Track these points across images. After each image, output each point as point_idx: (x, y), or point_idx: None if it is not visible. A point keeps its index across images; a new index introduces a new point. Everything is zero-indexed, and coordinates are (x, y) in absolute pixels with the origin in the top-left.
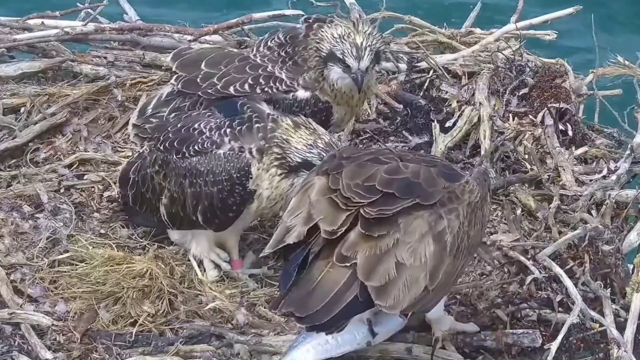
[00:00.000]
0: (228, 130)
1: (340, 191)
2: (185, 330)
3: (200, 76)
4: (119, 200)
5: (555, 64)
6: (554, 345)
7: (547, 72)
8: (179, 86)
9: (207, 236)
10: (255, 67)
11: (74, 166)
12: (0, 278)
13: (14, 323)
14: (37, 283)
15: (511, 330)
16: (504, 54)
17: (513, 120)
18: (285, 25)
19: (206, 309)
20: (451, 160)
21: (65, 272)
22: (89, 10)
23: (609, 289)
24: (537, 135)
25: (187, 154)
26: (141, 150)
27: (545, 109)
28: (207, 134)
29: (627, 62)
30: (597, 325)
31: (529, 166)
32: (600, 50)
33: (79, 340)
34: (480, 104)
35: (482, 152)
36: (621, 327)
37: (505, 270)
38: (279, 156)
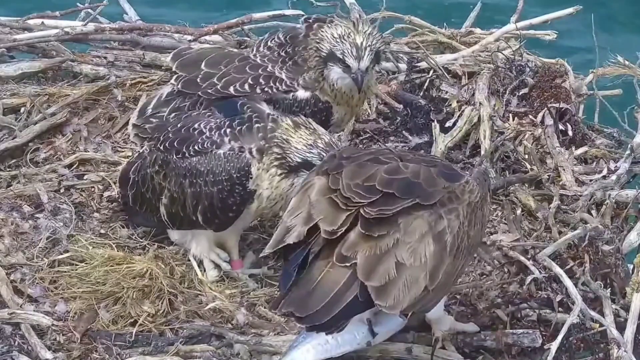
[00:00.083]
0: (228, 130)
1: (340, 191)
2: (185, 330)
3: (200, 76)
4: (119, 200)
5: (555, 64)
6: (554, 345)
7: (547, 72)
8: (179, 86)
9: (207, 236)
10: (255, 67)
11: (74, 166)
12: (0, 278)
13: (14, 323)
14: (37, 283)
15: (511, 330)
16: (504, 54)
17: (513, 120)
18: (285, 25)
19: (206, 309)
20: (451, 160)
21: (65, 272)
22: (89, 10)
23: (609, 289)
24: (537, 135)
25: (187, 154)
26: (141, 150)
27: (545, 109)
28: (207, 134)
29: (627, 62)
30: (597, 325)
31: (529, 166)
32: (600, 50)
33: (79, 340)
34: (480, 104)
35: (482, 152)
36: (621, 327)
37: (505, 270)
38: (279, 156)
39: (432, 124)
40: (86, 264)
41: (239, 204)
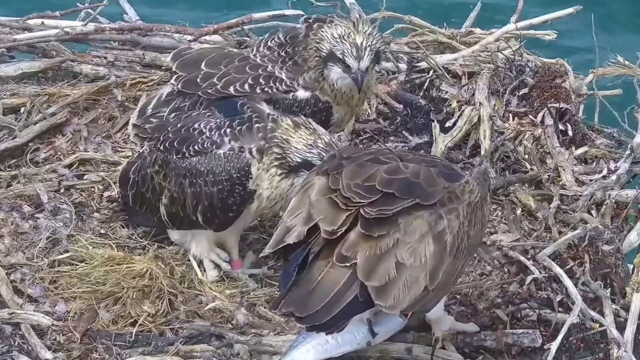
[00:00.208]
0: (228, 130)
1: (340, 191)
2: (185, 330)
3: (200, 76)
4: (119, 200)
5: (555, 64)
6: (554, 345)
7: (547, 72)
8: (179, 86)
9: (207, 236)
10: (256, 67)
11: (74, 166)
12: (0, 278)
13: (14, 323)
14: (37, 283)
15: (511, 330)
16: (504, 54)
17: (513, 120)
18: (285, 25)
19: (206, 309)
20: (451, 160)
21: (65, 272)
22: (89, 10)
23: (609, 289)
24: (537, 135)
25: (187, 154)
26: (141, 150)
27: (545, 109)
28: (207, 134)
29: (627, 62)
30: (597, 325)
31: (529, 166)
32: (600, 50)
33: (79, 340)
34: (480, 104)
35: (482, 152)
36: (621, 327)
37: (505, 270)
38: (278, 156)
39: (432, 124)
40: (86, 264)
41: (239, 204)
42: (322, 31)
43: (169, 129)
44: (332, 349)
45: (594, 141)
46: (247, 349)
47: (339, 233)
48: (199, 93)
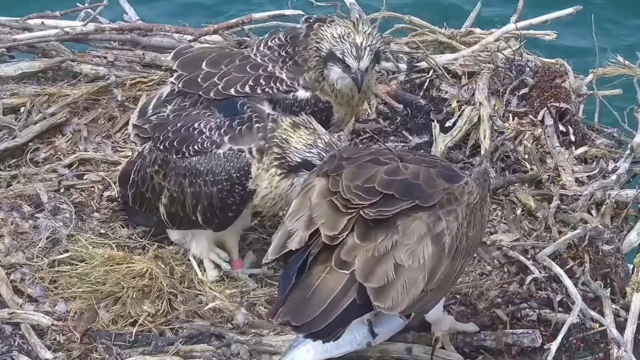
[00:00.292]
0: (228, 130)
1: (340, 193)
2: (185, 330)
3: (201, 76)
4: (119, 200)
5: (555, 64)
6: (554, 345)
7: (547, 72)
8: (180, 85)
9: (207, 236)
10: (256, 67)
11: (74, 166)
12: (0, 278)
13: (14, 323)
14: (37, 283)
15: (511, 330)
16: (503, 54)
17: (513, 120)
18: (285, 25)
19: (206, 309)
20: (451, 160)
21: (65, 272)
22: (89, 10)
23: (609, 289)
24: (537, 135)
25: (186, 154)
26: (141, 150)
27: (545, 108)
28: (207, 133)
29: (627, 62)
30: (597, 325)
31: (529, 166)
32: (600, 50)
33: (79, 340)
34: (480, 103)
35: (482, 152)
36: (621, 327)
37: (505, 270)
38: (278, 156)
39: (432, 123)
40: (86, 263)
41: (239, 204)
42: (322, 31)
43: (169, 128)
44: (332, 349)
45: (594, 141)
46: (247, 348)
47: (341, 240)
48: (200, 93)
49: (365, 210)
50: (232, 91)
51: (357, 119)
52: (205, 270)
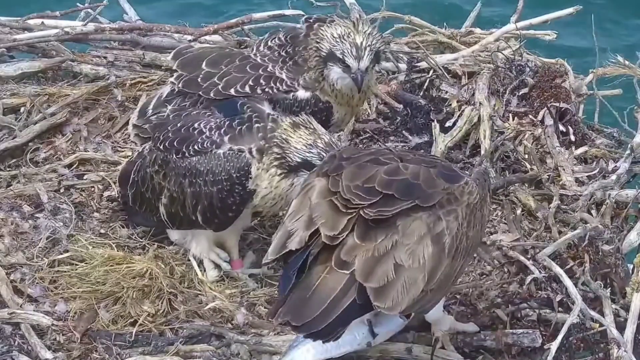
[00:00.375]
0: (228, 130)
1: (340, 193)
2: (185, 330)
3: (201, 76)
4: (119, 199)
5: (555, 64)
6: (554, 345)
7: (547, 72)
8: (180, 85)
9: (207, 236)
10: (256, 67)
11: (74, 166)
12: (0, 278)
13: (14, 323)
14: (37, 283)
15: (511, 330)
16: (503, 54)
17: (513, 120)
18: (285, 25)
19: (206, 309)
20: (451, 160)
21: (65, 272)
22: (89, 10)
23: (609, 289)
24: (537, 135)
25: (186, 154)
26: (141, 150)
27: (545, 108)
28: (207, 133)
29: (627, 62)
30: (597, 325)
31: (529, 166)
32: (600, 50)
33: (79, 340)
34: (480, 103)
35: (482, 152)
36: (621, 327)
37: (505, 270)
38: (278, 156)
39: (432, 123)
40: (86, 263)
41: (239, 204)
42: (322, 31)
43: (169, 128)
44: (332, 349)
45: (594, 141)
46: (247, 348)
47: (340, 239)
48: (200, 93)
49: (365, 210)
50: (232, 91)
51: (357, 119)
52: (205, 270)
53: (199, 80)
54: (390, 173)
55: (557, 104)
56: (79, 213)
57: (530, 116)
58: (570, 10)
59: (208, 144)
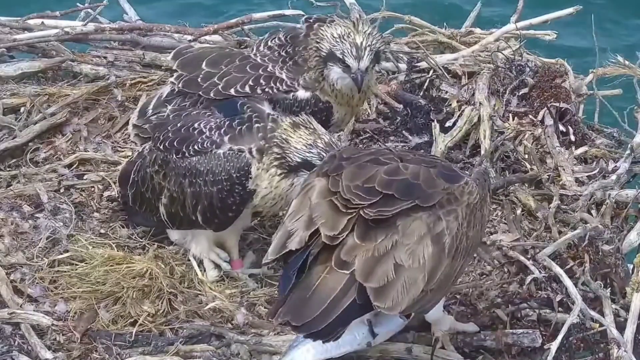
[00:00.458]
0: (228, 130)
1: (340, 193)
2: (185, 330)
3: (201, 76)
4: (119, 200)
5: (555, 64)
6: (554, 345)
7: (547, 72)
8: (180, 85)
9: (207, 236)
10: (256, 67)
11: (74, 166)
12: (0, 278)
13: (14, 323)
14: (37, 283)
15: (511, 330)
16: (503, 54)
17: (513, 120)
18: (285, 25)
19: (206, 309)
20: (451, 160)
21: (65, 272)
22: (89, 10)
23: (609, 289)
24: (537, 135)
25: (186, 154)
26: (141, 150)
27: (545, 108)
28: (207, 133)
29: (627, 62)
30: (597, 325)
31: (529, 166)
32: (600, 50)
33: (79, 340)
34: (480, 103)
35: (482, 152)
36: (621, 327)
37: (505, 270)
38: (278, 156)
39: (432, 124)
40: (86, 263)
41: (239, 204)
42: (322, 31)
43: (169, 128)
44: (332, 349)
45: (594, 141)
46: (247, 349)
47: (340, 239)
48: (200, 93)
49: (365, 210)
50: (232, 91)
51: (357, 119)
52: (205, 270)
53: (199, 80)
54: (390, 173)
55: (557, 104)
56: (79, 213)
57: (530, 116)
58: (570, 10)
59: (208, 144)
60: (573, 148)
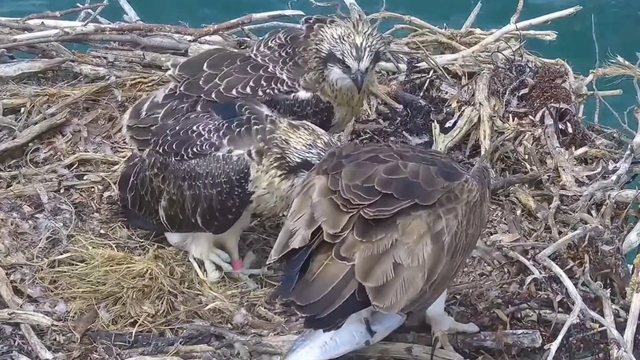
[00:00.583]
0: (227, 132)
1: (339, 192)
2: (185, 331)
3: (202, 78)
4: (119, 202)
5: (555, 64)
6: (554, 346)
7: (547, 72)
8: (182, 88)
9: (207, 237)
10: (257, 68)
11: (74, 166)
12: (0, 278)
13: (14, 323)
14: (37, 283)
15: (511, 331)
16: (503, 54)
17: (513, 120)
18: (286, 25)
19: (206, 309)
20: None
21: (65, 272)
22: (89, 10)
23: (609, 289)
24: (537, 136)
25: (185, 157)
26: (135, 151)
27: (545, 109)
28: (206, 136)
29: (627, 62)
30: (597, 325)
31: (529, 166)
32: (600, 50)
33: (79, 340)
34: (480, 104)
35: (482, 152)
36: (621, 327)
37: (505, 270)
38: (278, 156)
39: (432, 124)
40: (86, 264)
41: (238, 206)
42: (322, 32)
43: (168, 131)
44: (331, 350)
45: (594, 141)
46: (247, 349)
47: (342, 237)
48: (202, 95)
49: (365, 210)
50: (234, 92)
51: (357, 119)
52: (206, 272)
53: (200, 83)
54: (390, 172)
55: (557, 105)
56: (79, 213)
57: (530, 117)
58: (570, 10)
59: (207, 147)
60: (573, 148)
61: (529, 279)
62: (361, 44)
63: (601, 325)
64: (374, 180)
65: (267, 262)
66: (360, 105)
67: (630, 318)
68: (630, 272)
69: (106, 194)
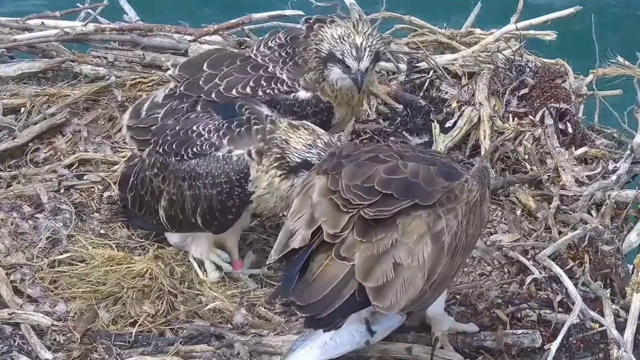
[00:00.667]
0: (227, 132)
1: (339, 192)
2: (185, 331)
3: (202, 78)
4: (119, 203)
5: (555, 64)
6: (554, 346)
7: (547, 72)
8: (182, 88)
9: (207, 237)
10: (257, 68)
11: (74, 166)
12: (0, 278)
13: (14, 323)
14: (37, 283)
15: (511, 331)
16: (503, 54)
17: (513, 120)
18: (285, 25)
19: (206, 309)
20: None
21: (65, 272)
22: (89, 10)
23: (609, 289)
24: (537, 136)
25: (185, 157)
26: (135, 151)
27: (545, 109)
28: (206, 136)
29: (627, 62)
30: (597, 325)
31: (528, 166)
32: (600, 50)
33: (79, 340)
34: (480, 104)
35: (482, 152)
36: (621, 327)
37: (505, 270)
38: (278, 156)
39: (432, 124)
40: (86, 264)
41: (238, 206)
42: (322, 32)
43: (168, 131)
44: (331, 350)
45: (594, 141)
46: (247, 349)
47: (342, 237)
48: (202, 95)
49: (365, 210)
50: (234, 92)
51: (357, 119)
52: (206, 272)
53: (200, 83)
54: (390, 172)
55: (557, 105)
56: (79, 213)
57: (530, 117)
58: (570, 10)
59: (207, 147)
60: (573, 148)
61: (529, 279)
62: (361, 44)
63: (601, 325)
64: (374, 180)
65: (267, 262)
66: (360, 105)
67: (630, 318)
68: (630, 272)
69: (106, 194)
